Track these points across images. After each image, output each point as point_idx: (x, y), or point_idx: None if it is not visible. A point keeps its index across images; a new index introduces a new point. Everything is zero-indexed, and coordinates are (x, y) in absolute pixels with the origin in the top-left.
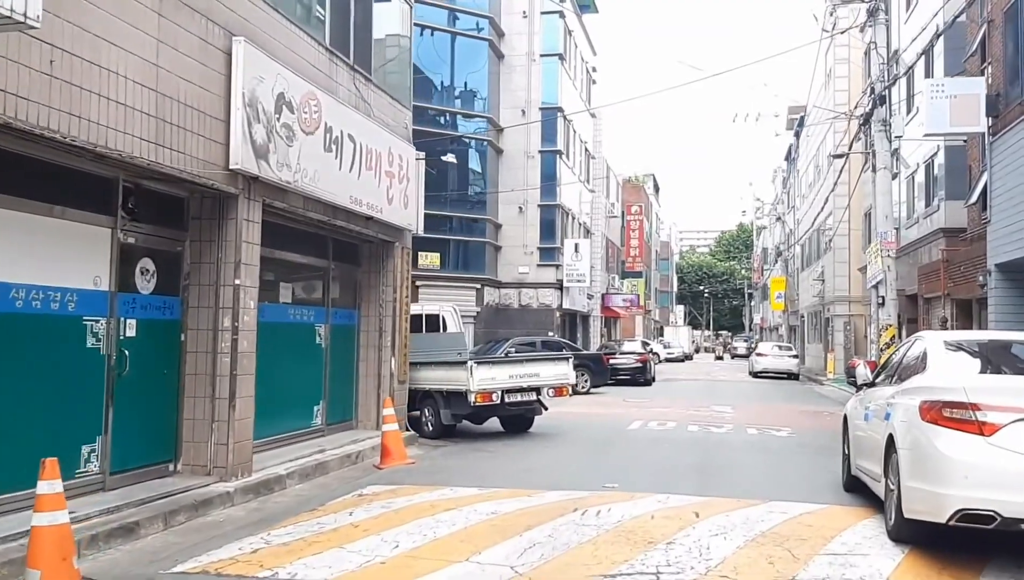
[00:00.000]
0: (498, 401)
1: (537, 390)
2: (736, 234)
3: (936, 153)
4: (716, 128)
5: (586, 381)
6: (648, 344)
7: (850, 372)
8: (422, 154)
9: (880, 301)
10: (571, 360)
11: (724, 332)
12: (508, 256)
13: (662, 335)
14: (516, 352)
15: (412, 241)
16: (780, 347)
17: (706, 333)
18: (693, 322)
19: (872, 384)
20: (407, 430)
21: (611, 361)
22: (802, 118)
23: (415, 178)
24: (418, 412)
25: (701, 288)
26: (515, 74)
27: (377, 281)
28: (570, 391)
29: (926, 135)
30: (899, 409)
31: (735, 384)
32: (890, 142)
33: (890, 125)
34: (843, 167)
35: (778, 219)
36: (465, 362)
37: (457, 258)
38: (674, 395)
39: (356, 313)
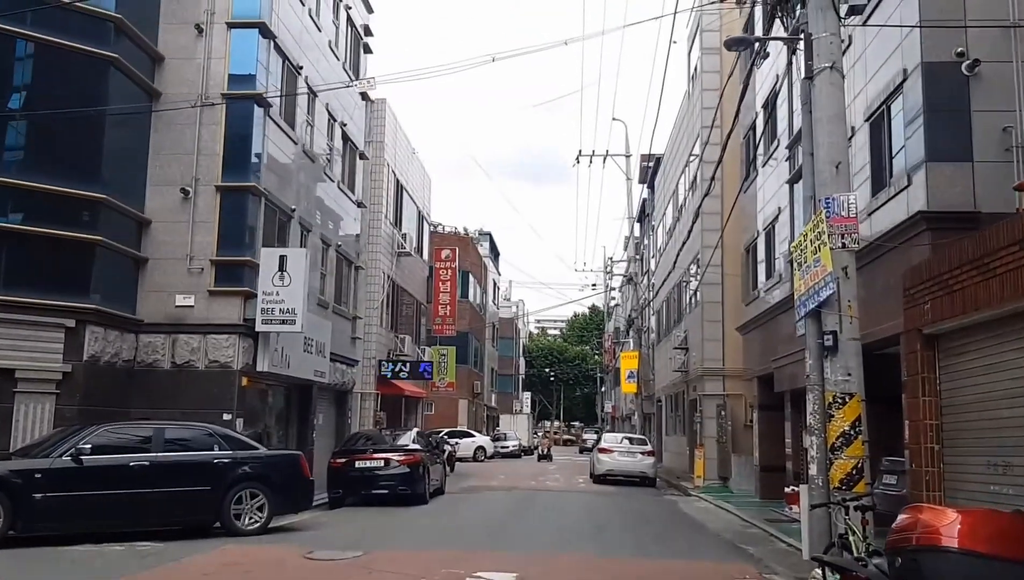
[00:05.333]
0: None
1: None
2: (589, 317)
3: (901, 85)
4: (560, 195)
5: (260, 508)
6: (434, 435)
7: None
8: None
9: (827, 343)
10: None
11: (576, 423)
12: (160, 275)
13: (498, 425)
14: (92, 452)
15: None
16: (631, 440)
17: (555, 424)
18: (543, 412)
19: None
20: None
21: (356, 464)
22: (658, 161)
23: None
24: None
25: (548, 371)
26: None
27: None
28: None
29: None
30: None
31: (564, 498)
32: (839, 17)
33: None
34: (716, 170)
35: (629, 280)
36: None
37: (33, 269)
38: (437, 535)
39: None
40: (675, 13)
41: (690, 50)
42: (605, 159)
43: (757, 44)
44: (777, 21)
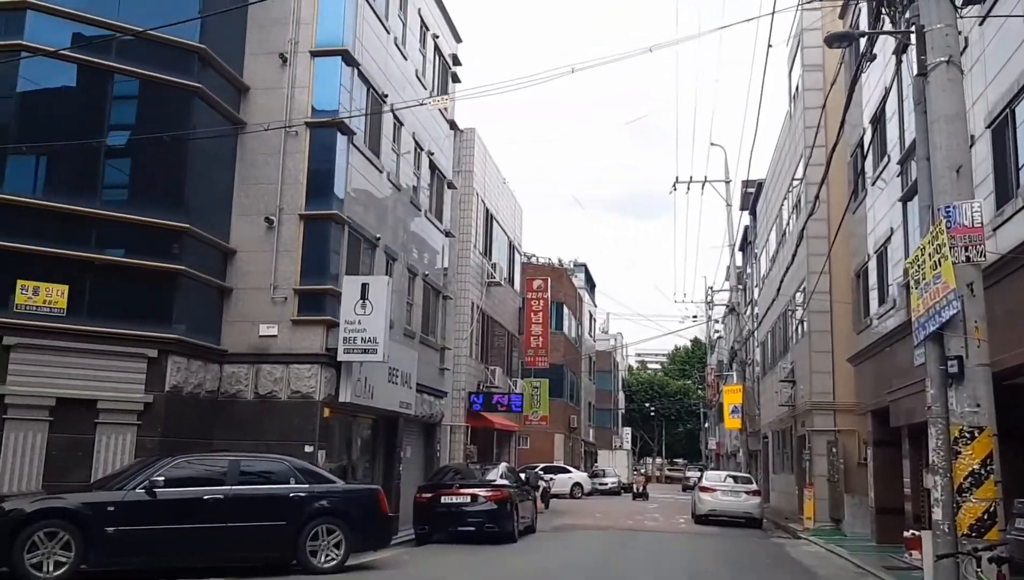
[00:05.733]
0: None
1: None
2: (691, 351)
3: None
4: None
5: (337, 545)
6: (528, 471)
7: None
8: None
9: (951, 370)
10: None
11: (680, 460)
12: (243, 305)
13: (596, 461)
14: (166, 484)
15: None
16: (735, 479)
17: (657, 460)
18: (644, 448)
19: None
20: None
21: (442, 499)
22: (759, 186)
23: None
24: None
25: (649, 406)
26: (270, 3)
27: None
28: None
29: None
30: None
31: (662, 539)
32: (955, 7)
33: None
34: (820, 189)
35: (731, 311)
36: None
37: (116, 299)
38: (524, 578)
39: None
40: (773, 13)
41: (791, 69)
42: (703, 185)
43: (864, 43)
44: (885, 20)
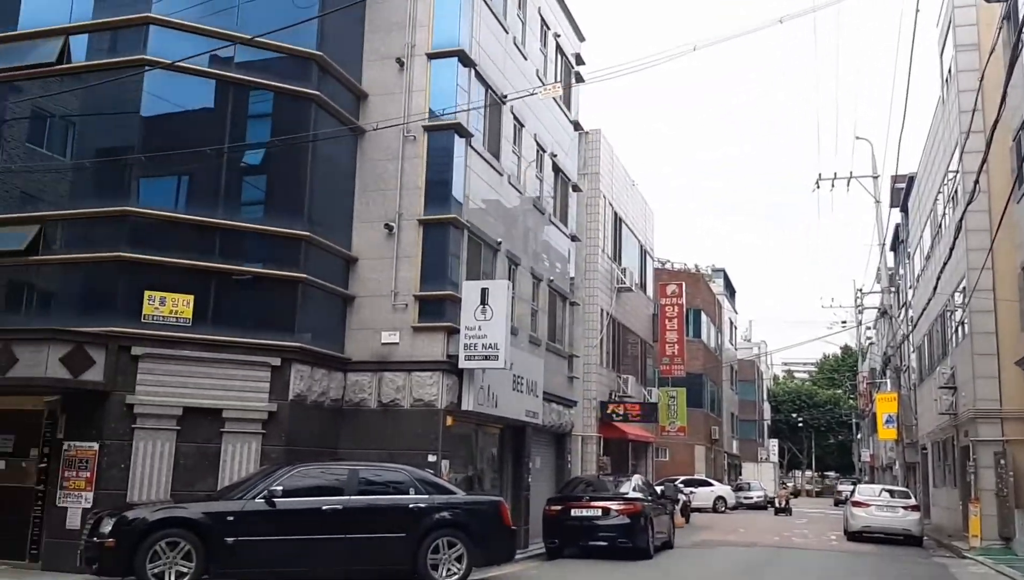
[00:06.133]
0: None
1: None
2: (841, 358)
3: None
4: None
5: (459, 559)
6: (667, 484)
7: None
8: None
9: None
10: None
11: (831, 473)
12: (365, 312)
13: (740, 474)
14: (285, 494)
15: None
16: (891, 493)
17: (807, 474)
18: (793, 461)
19: None
20: None
21: (572, 512)
22: (910, 181)
23: None
24: None
25: (795, 416)
26: (387, 7)
27: None
28: None
29: None
30: None
31: (811, 557)
32: None
33: None
34: (978, 176)
35: (883, 314)
36: None
37: (238, 308)
38: None
39: None
40: None
41: (942, 52)
42: (849, 181)
43: None
44: None
